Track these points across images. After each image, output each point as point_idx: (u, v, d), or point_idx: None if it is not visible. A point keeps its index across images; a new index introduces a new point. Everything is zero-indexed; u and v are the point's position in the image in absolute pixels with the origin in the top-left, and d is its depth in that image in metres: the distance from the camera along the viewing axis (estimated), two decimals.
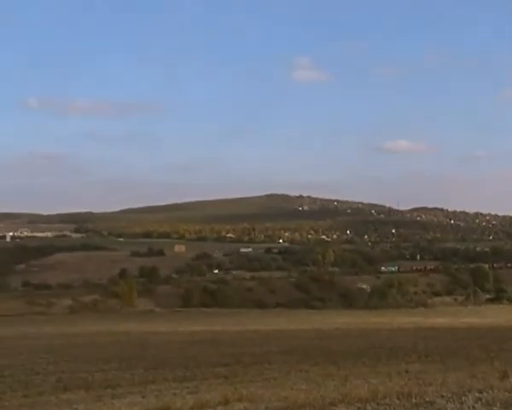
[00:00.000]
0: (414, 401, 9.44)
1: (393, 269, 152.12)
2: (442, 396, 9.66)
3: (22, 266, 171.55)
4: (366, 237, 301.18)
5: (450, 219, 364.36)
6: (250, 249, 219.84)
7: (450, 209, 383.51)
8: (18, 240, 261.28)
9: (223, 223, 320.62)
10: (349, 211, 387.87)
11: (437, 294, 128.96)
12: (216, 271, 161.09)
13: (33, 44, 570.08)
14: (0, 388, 19.32)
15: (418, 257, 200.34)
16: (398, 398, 9.65)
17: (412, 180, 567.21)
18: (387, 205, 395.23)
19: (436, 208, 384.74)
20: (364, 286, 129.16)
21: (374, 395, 9.80)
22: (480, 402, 9.15)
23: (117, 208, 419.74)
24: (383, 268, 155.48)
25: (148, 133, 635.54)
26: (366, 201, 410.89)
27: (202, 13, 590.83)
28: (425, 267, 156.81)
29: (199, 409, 9.82)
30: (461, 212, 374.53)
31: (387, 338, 33.67)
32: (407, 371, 17.90)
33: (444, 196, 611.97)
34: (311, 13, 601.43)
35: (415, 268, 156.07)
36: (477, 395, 9.71)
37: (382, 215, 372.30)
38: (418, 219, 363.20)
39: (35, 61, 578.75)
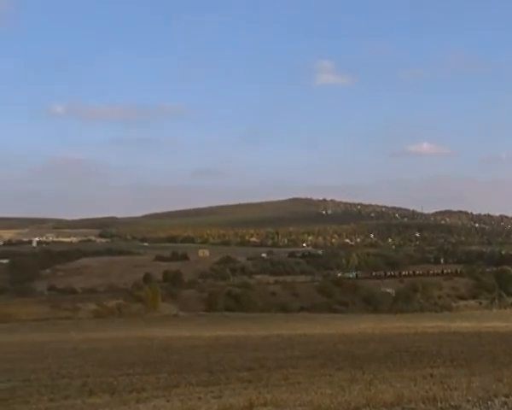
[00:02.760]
0: (439, 405, 9.40)
1: (351, 275, 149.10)
2: (468, 401, 9.61)
3: (48, 270, 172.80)
4: (390, 240, 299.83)
5: (475, 222, 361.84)
6: (272, 254, 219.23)
7: (474, 212, 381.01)
8: (44, 245, 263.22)
9: (246, 227, 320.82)
10: (373, 215, 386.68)
11: (462, 297, 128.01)
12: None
13: (58, 51, 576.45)
14: (27, 391, 19.49)
15: (442, 260, 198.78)
16: (423, 402, 9.61)
17: (436, 183, 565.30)
18: (411, 208, 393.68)
19: (460, 211, 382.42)
20: (389, 290, 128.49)
21: (399, 400, 9.76)
22: (506, 407, 9.10)
23: (141, 213, 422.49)
24: (339, 274, 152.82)
25: (172, 138, 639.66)
26: (390, 204, 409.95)
27: (224, 16, 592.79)
28: (428, 271, 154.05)
29: None
30: (485, 215, 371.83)
31: (412, 342, 33.43)
32: (432, 376, 17.78)
33: (468, 198, 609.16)
34: (334, 16, 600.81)
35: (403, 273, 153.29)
36: (503, 399, 9.65)
37: (406, 219, 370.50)
38: (442, 222, 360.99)
39: (60, 68, 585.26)
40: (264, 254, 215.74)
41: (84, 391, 19.05)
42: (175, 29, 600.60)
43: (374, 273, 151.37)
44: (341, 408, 9.27)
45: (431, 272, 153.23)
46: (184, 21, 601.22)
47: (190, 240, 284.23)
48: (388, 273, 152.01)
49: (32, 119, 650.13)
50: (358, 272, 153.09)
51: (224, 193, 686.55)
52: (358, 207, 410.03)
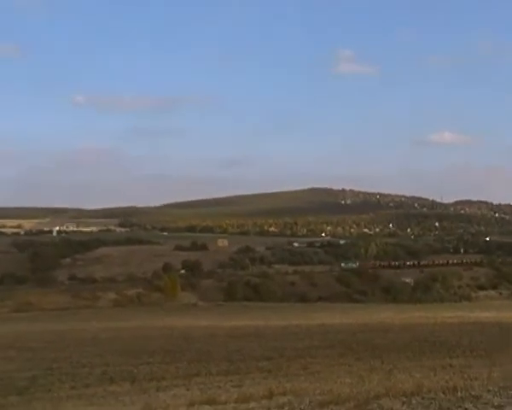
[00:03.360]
0: (459, 394, 9.37)
1: (354, 265, 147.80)
2: (488, 391, 9.58)
3: (68, 260, 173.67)
4: (409, 230, 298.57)
5: (495, 212, 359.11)
6: (296, 244, 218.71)
7: (494, 202, 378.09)
8: (64, 235, 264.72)
9: (265, 217, 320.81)
10: (392, 204, 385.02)
11: (481, 288, 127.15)
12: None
13: (79, 41, 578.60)
14: (48, 380, 19.69)
15: (462, 250, 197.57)
16: (443, 392, 9.58)
17: (456, 173, 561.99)
18: (431, 198, 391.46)
19: (480, 201, 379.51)
20: (408, 280, 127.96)
21: (418, 389, 9.75)
22: None
23: (161, 203, 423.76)
24: (342, 264, 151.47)
25: (191, 128, 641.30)
26: (409, 194, 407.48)
27: (247, 6, 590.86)
28: (448, 261, 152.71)
29: (243, 402, 9.86)
30: (506, 205, 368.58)
31: (431, 332, 33.35)
32: (452, 366, 17.76)
33: (488, 188, 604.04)
34: (354, 4, 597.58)
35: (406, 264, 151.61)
36: None
37: (425, 208, 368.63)
38: (462, 212, 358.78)
39: (81, 58, 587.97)
40: (296, 244, 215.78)
41: (105, 380, 19.21)
42: (200, 19, 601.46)
43: (393, 263, 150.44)
44: (361, 398, 9.26)
45: (450, 261, 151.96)
46: (208, 12, 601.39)
47: (209, 230, 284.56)
48: (407, 263, 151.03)
49: (53, 109, 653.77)
50: (360, 263, 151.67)
51: (244, 183, 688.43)
52: (377, 196, 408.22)
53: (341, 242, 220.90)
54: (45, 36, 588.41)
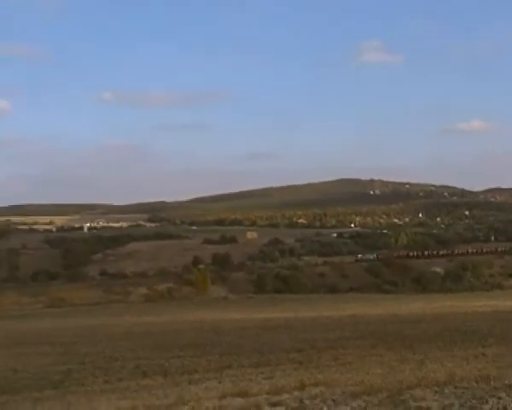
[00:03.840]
0: (493, 384, 9.32)
1: (371, 257, 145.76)
2: None
3: (99, 255, 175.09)
4: (439, 219, 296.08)
5: None
6: (334, 235, 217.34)
7: None
8: (94, 230, 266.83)
9: (294, 209, 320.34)
10: (421, 194, 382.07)
11: None
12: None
13: (105, 38, 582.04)
14: (82, 374, 19.92)
15: (492, 239, 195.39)
16: (476, 381, 9.54)
17: (486, 161, 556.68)
18: (460, 187, 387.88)
19: (511, 189, 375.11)
20: (438, 269, 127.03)
21: (451, 379, 9.71)
22: None
23: (189, 197, 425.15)
24: (360, 255, 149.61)
25: (219, 122, 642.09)
26: (438, 183, 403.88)
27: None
28: (481, 249, 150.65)
29: (275, 394, 9.89)
30: None
31: (463, 322, 33.11)
32: (484, 355, 17.62)
33: None
34: None
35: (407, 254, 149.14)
36: None
37: (455, 197, 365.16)
38: (492, 200, 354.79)
39: (108, 55, 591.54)
40: (334, 234, 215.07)
41: (138, 373, 19.38)
42: (224, 15, 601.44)
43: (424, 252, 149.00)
44: (393, 388, 9.25)
45: (481, 250, 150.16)
46: (233, 8, 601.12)
47: (238, 223, 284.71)
48: (438, 252, 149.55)
49: (81, 105, 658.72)
50: (379, 254, 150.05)
51: (272, 175, 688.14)
52: (407, 186, 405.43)
53: (384, 231, 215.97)
54: (71, 33, 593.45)
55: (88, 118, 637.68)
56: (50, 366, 22.58)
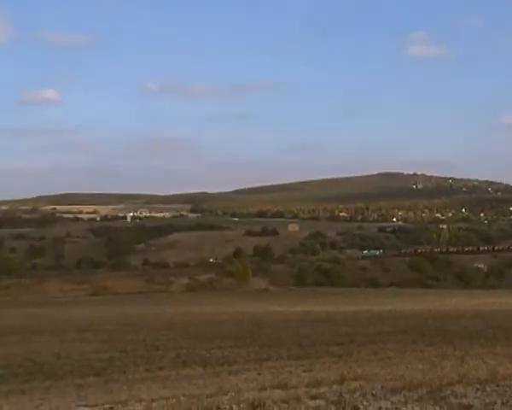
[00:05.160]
0: None
1: (377, 253, 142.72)
2: None
3: (142, 245, 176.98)
4: (482, 215, 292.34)
5: None
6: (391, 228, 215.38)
7: None
8: (137, 220, 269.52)
9: (336, 202, 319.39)
10: (464, 189, 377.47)
11: None
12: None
13: (150, 28, 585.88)
14: (123, 362, 20.17)
15: None
16: None
17: None
18: (505, 182, 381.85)
19: None
20: (481, 265, 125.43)
21: (493, 377, 9.60)
22: None
23: (231, 188, 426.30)
24: (365, 252, 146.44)
25: (261, 114, 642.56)
26: (482, 178, 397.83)
27: None
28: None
29: (314, 387, 9.88)
30: None
31: (505, 319, 32.70)
32: None
33: None
34: None
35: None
36: None
37: (499, 193, 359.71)
38: None
39: (153, 46, 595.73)
40: (389, 228, 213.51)
41: (178, 363, 19.54)
42: (267, 6, 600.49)
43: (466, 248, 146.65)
44: (434, 384, 9.19)
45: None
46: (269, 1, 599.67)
47: (280, 215, 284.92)
48: (481, 248, 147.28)
49: (126, 96, 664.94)
50: (384, 250, 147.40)
51: (314, 168, 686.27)
52: (450, 181, 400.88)
53: (443, 226, 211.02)
54: (117, 24, 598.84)
55: (134, 108, 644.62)
56: (93, 354, 22.91)
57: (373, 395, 8.86)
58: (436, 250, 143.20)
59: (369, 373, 11.00)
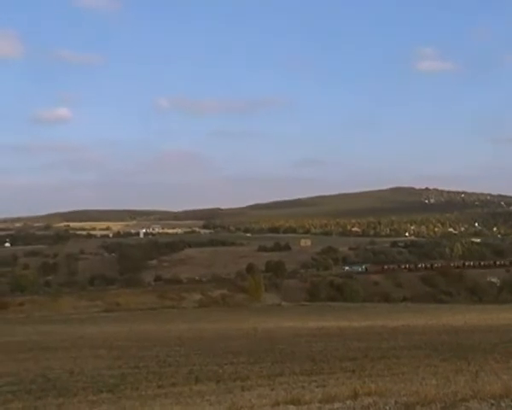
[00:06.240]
0: None
1: (360, 269, 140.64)
2: None
3: (154, 261, 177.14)
4: (495, 229, 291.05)
5: None
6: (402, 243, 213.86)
7: None
8: (150, 236, 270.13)
9: (348, 217, 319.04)
10: (477, 203, 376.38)
11: None
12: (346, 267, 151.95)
13: (161, 47, 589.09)
14: (136, 378, 20.18)
15: None
16: None
17: None
18: None
19: None
20: (494, 280, 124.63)
21: (508, 392, 9.53)
22: None
23: (244, 204, 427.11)
24: (347, 268, 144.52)
25: (273, 129, 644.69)
26: (495, 192, 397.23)
27: (322, 8, 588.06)
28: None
29: (328, 403, 9.87)
30: None
31: None
32: None
33: None
34: (435, 2, 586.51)
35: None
36: None
37: None
38: None
39: (164, 63, 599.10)
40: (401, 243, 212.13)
41: (191, 379, 19.53)
42: (275, 25, 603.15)
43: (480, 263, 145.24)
44: (448, 399, 9.14)
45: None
46: (284, 16, 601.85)
47: (292, 230, 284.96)
48: (495, 262, 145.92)
49: (137, 112, 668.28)
50: (368, 266, 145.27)
51: (326, 183, 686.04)
52: (462, 195, 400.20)
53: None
54: (127, 42, 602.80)
55: (145, 124, 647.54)
56: (106, 370, 22.93)
57: None
58: (452, 265, 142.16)
59: (382, 389, 10.96)
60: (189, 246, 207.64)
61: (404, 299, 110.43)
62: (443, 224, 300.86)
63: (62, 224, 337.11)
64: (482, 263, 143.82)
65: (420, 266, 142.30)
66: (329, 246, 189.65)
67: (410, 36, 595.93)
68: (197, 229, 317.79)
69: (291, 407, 9.89)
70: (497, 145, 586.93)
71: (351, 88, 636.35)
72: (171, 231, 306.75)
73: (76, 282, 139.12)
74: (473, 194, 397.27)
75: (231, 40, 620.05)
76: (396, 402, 9.26)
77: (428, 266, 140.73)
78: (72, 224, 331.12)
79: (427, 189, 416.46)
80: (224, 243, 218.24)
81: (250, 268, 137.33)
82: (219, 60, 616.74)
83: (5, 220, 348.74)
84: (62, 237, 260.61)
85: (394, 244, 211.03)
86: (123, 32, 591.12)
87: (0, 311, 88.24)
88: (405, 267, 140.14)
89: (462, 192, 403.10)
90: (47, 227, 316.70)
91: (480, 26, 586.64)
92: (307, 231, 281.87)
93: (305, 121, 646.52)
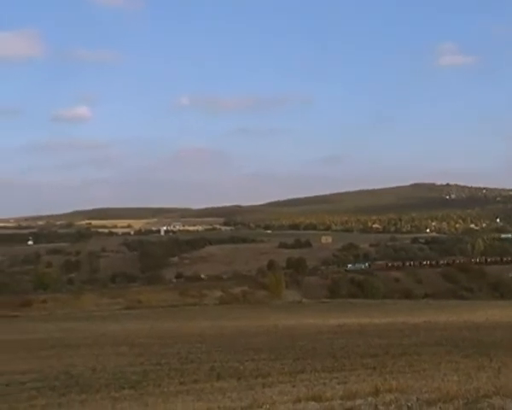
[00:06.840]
0: None
1: (363, 267, 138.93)
2: None
3: (175, 258, 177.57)
4: None
5: None
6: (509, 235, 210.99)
7: None
8: (171, 234, 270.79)
9: (368, 214, 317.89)
10: (499, 199, 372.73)
11: None
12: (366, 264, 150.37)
13: (181, 43, 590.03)
14: (158, 375, 20.30)
15: None
16: None
17: None
18: None
19: None
20: None
21: None
22: None
23: (264, 201, 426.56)
24: (349, 266, 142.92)
25: (293, 126, 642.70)
26: None
27: (342, 3, 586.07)
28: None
29: (349, 399, 9.87)
30: None
31: None
32: None
33: None
34: None
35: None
36: None
37: None
38: None
39: (184, 60, 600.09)
40: (422, 240, 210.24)
41: (212, 375, 19.60)
42: (297, 20, 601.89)
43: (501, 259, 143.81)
44: (470, 396, 9.11)
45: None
46: (305, 12, 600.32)
47: (313, 227, 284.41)
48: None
49: (158, 110, 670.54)
50: (370, 263, 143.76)
51: (346, 180, 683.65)
52: (484, 191, 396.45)
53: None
54: (147, 39, 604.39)
55: (165, 122, 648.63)
56: (128, 367, 23.09)
57: (408, 407, 8.81)
58: (473, 260, 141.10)
59: (403, 385, 10.95)
60: (210, 243, 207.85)
61: (425, 295, 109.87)
62: (464, 220, 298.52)
63: (84, 222, 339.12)
64: (504, 259, 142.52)
65: (441, 262, 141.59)
66: (350, 243, 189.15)
67: (431, 30, 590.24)
68: (218, 226, 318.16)
69: (312, 403, 9.90)
70: None
71: (370, 85, 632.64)
72: (191, 228, 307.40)
73: (98, 279, 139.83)
74: (494, 189, 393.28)
75: (251, 38, 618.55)
76: (417, 399, 9.24)
77: (450, 262, 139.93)
78: (93, 222, 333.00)
79: (447, 185, 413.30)
80: (244, 240, 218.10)
81: (271, 265, 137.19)
82: (239, 57, 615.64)
83: (28, 219, 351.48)
84: (84, 235, 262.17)
85: (415, 241, 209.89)
86: (142, 30, 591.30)
87: (23, 308, 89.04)
88: (426, 264, 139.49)
89: (484, 188, 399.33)
90: (69, 225, 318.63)
91: (498, 20, 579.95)
92: (328, 228, 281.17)
93: (325, 118, 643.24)
